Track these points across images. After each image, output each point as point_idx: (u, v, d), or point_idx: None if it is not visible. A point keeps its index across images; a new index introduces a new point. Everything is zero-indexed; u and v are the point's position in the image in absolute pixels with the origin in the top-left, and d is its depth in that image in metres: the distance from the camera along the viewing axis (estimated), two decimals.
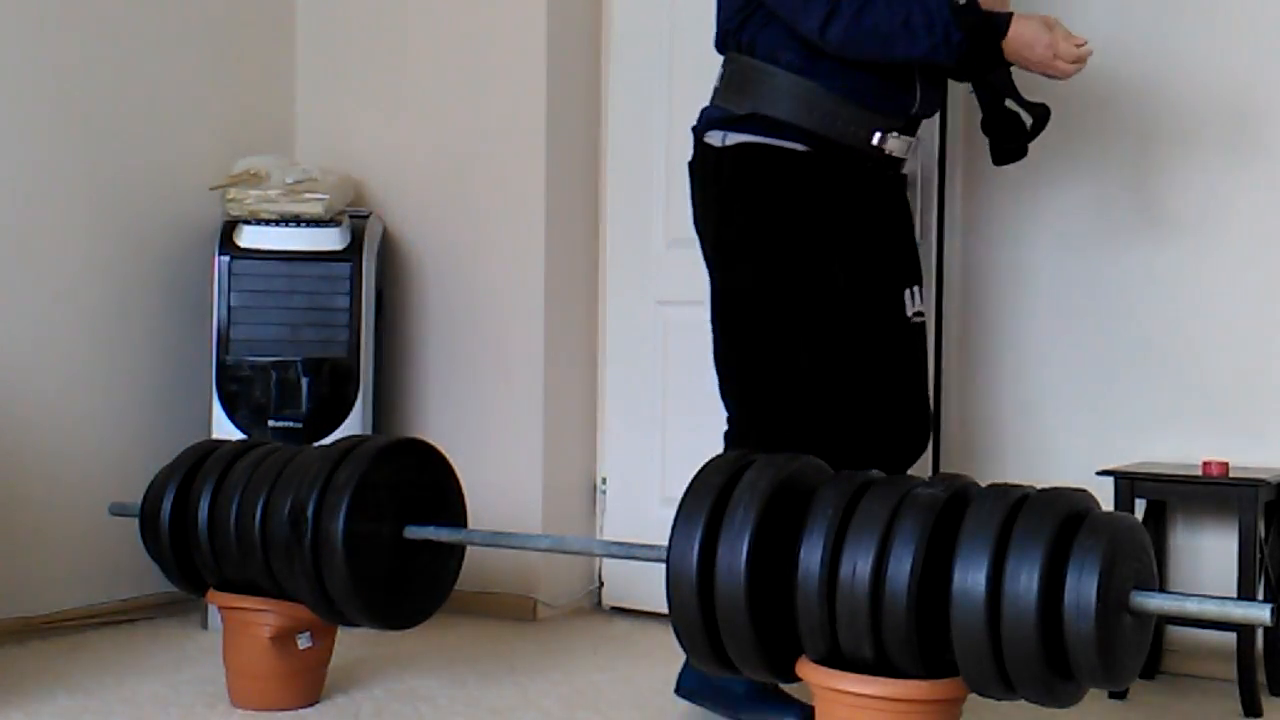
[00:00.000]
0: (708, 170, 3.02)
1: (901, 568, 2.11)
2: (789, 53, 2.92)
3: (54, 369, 3.69)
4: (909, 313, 3.04)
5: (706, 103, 3.06)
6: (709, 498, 2.28)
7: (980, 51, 2.82)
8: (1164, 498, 3.31)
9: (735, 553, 2.21)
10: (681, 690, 3.03)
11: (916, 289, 3.07)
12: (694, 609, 2.25)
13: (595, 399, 4.14)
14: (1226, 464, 3.13)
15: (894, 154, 2.98)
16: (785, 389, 2.94)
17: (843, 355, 3.00)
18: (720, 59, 3.03)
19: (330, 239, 3.79)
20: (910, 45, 2.81)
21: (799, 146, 2.93)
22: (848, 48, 2.85)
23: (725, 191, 2.99)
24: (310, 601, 2.80)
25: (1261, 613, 2.03)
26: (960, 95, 3.68)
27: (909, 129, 2.99)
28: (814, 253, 2.94)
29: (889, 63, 2.87)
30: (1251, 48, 3.37)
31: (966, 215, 3.70)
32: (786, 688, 2.85)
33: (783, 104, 2.93)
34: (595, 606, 4.11)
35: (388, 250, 4.03)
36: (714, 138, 3.00)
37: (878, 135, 2.94)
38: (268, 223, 3.77)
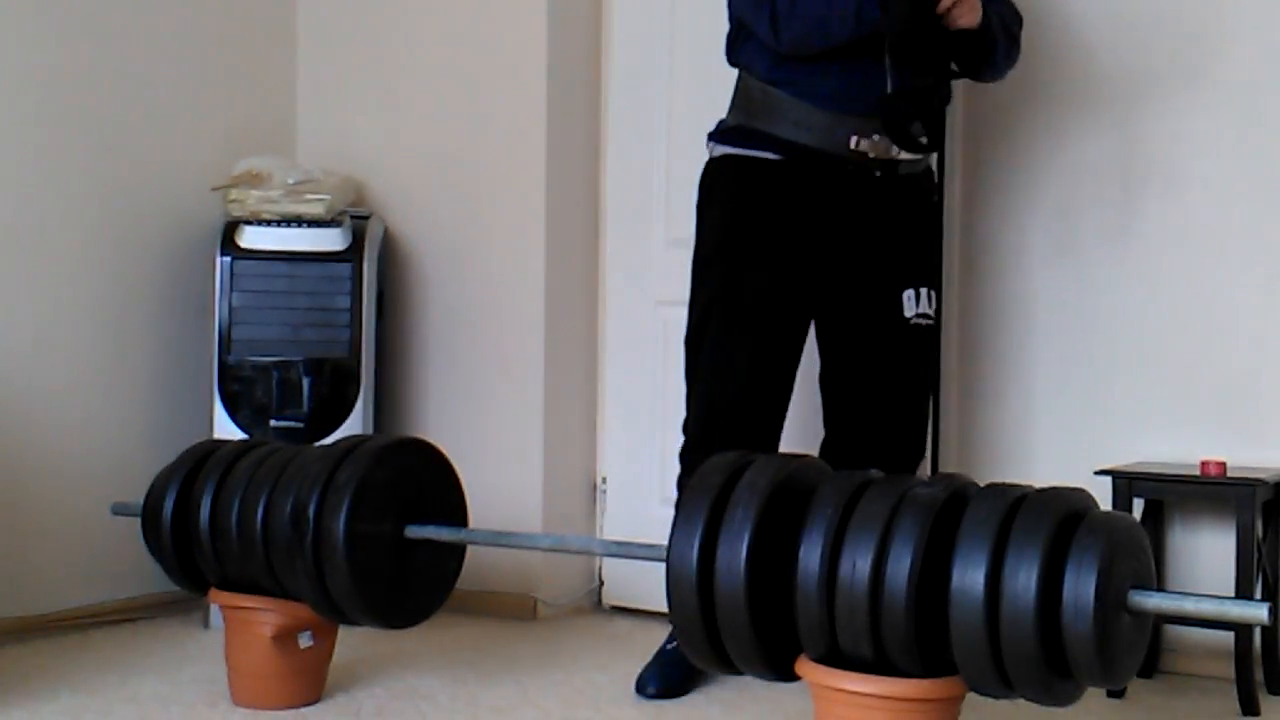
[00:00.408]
0: (700, 179, 3.15)
1: (900, 567, 2.12)
2: (761, 64, 3.01)
3: (56, 369, 3.70)
4: (907, 314, 3.04)
5: (706, 104, 3.13)
6: (709, 497, 2.28)
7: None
8: (1162, 497, 3.32)
9: (735, 552, 2.21)
10: None
11: (921, 290, 3.06)
12: (694, 608, 2.26)
13: (595, 399, 4.14)
14: (1224, 463, 3.13)
15: (878, 156, 2.98)
16: (721, 397, 3.05)
17: (828, 361, 3.05)
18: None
19: (331, 239, 3.80)
20: (843, 19, 2.85)
21: (772, 156, 3.01)
22: (799, 45, 2.93)
23: (702, 200, 3.12)
24: (311, 600, 2.81)
25: (1259, 612, 2.03)
26: (960, 96, 3.69)
27: (895, 129, 2.98)
28: (771, 261, 3.01)
29: (834, 46, 2.91)
30: (1255, 46, 3.37)
31: (965, 215, 3.70)
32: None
33: (760, 115, 3.02)
34: (595, 606, 4.12)
35: (389, 251, 4.04)
36: (708, 148, 3.13)
37: (854, 139, 2.96)
38: (269, 223, 3.78)
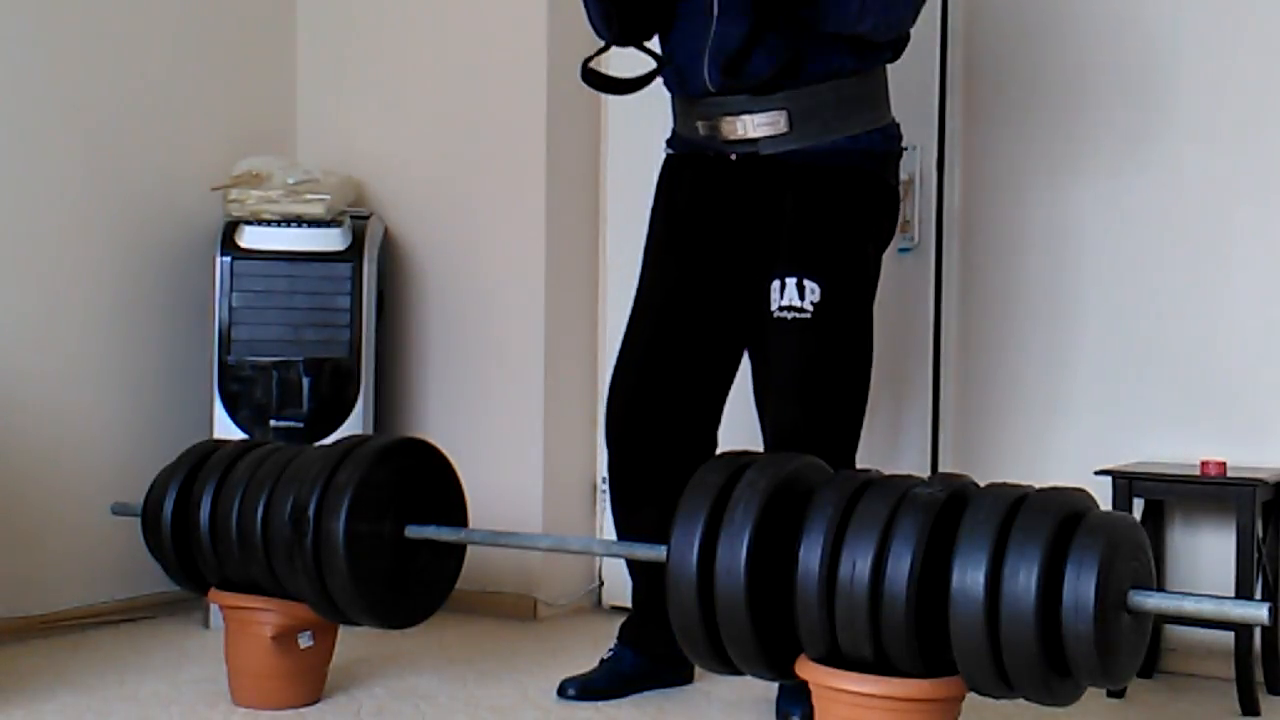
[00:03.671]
0: None
1: (901, 567, 2.12)
2: None
3: (56, 369, 3.70)
4: (772, 306, 2.86)
5: None
6: (709, 497, 2.29)
7: None
8: (1162, 497, 3.32)
9: (735, 552, 2.22)
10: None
11: (789, 280, 2.84)
12: (694, 609, 2.26)
13: (595, 399, 4.14)
14: (1224, 464, 3.14)
15: (725, 137, 2.93)
16: (617, 386, 3.13)
17: (689, 353, 3.03)
18: None
19: (331, 240, 3.80)
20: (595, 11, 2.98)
21: (669, 151, 3.09)
22: (594, 29, 3.06)
23: None
24: (311, 601, 2.81)
25: (1259, 612, 2.04)
26: (960, 98, 3.69)
27: (730, 108, 2.90)
28: (663, 252, 3.05)
29: (603, 33, 3.01)
30: (1259, 52, 3.37)
31: (965, 216, 3.70)
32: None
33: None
34: (595, 606, 4.13)
35: (389, 251, 4.04)
36: None
37: (701, 124, 2.96)
38: (269, 223, 3.78)
